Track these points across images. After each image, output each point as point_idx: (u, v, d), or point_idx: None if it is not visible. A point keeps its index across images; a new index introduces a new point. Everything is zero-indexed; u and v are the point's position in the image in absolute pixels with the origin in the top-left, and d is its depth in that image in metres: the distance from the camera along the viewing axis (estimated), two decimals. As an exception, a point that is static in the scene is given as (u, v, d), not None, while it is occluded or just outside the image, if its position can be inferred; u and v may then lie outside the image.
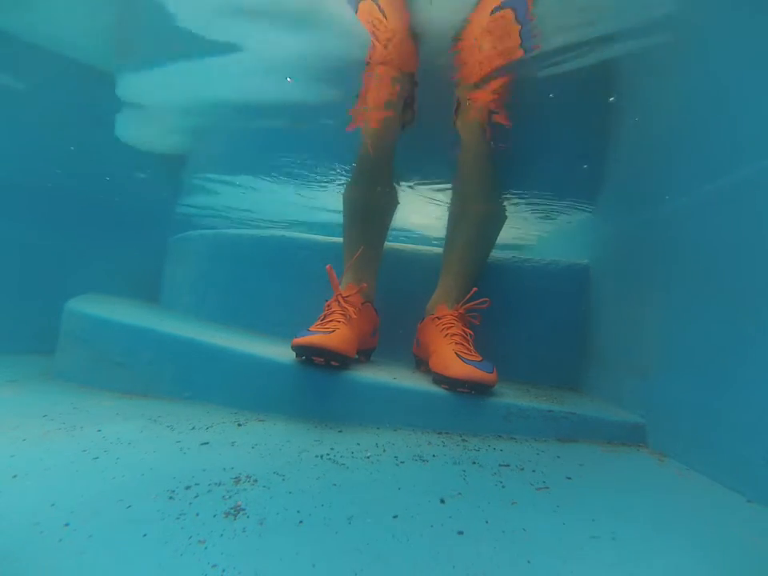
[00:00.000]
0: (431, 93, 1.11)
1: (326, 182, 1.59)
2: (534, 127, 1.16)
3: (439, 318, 1.01)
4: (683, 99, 0.82)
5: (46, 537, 0.40)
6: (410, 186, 1.46)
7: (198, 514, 0.46)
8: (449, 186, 1.43)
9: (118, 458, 0.58)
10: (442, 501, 0.53)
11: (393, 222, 1.20)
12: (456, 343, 0.92)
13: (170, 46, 1.17)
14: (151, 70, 1.29)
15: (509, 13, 0.92)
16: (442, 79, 1.09)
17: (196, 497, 0.49)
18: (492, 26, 0.94)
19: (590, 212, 1.33)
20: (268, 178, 1.70)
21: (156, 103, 1.44)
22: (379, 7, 0.93)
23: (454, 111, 1.13)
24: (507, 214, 1.19)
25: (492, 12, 0.91)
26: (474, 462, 0.66)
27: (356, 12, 0.98)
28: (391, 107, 1.12)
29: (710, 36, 0.76)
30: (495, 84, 1.06)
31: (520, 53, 0.99)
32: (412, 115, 1.13)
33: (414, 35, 1.03)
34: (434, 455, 0.68)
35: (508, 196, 1.33)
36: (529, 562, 0.42)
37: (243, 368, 0.86)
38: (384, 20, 0.95)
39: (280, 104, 1.30)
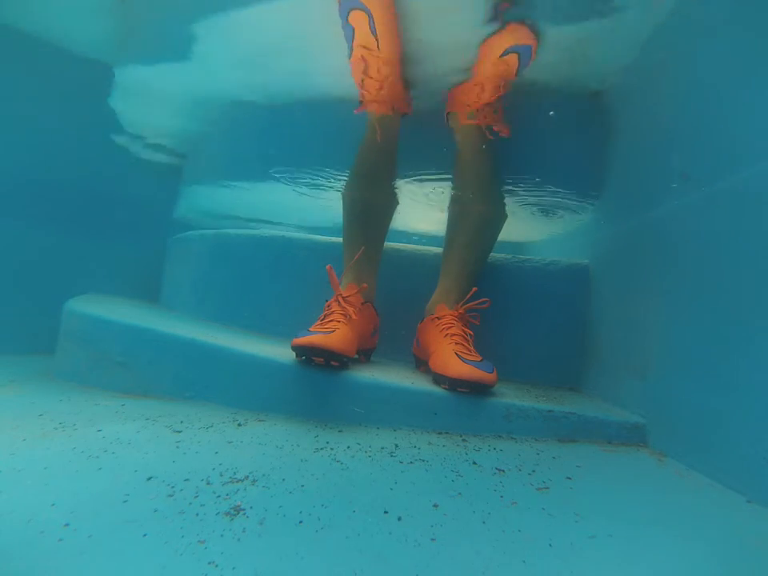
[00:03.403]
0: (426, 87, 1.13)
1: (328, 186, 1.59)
2: (533, 130, 1.17)
3: (439, 318, 1.01)
4: (683, 100, 0.82)
5: (46, 537, 0.40)
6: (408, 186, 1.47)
7: (197, 514, 0.46)
8: (449, 183, 1.43)
9: (117, 458, 0.58)
10: (442, 501, 0.53)
11: (393, 222, 1.21)
12: (456, 343, 0.92)
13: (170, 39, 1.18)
14: (152, 63, 1.30)
15: (513, 58, 0.96)
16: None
17: (196, 497, 0.49)
18: (496, 71, 0.98)
19: (591, 206, 1.33)
20: (269, 180, 1.70)
21: (156, 96, 1.45)
22: (374, 31, 0.94)
23: (445, 117, 1.14)
24: (508, 212, 1.19)
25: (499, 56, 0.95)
26: (474, 463, 0.66)
27: (349, 59, 1.01)
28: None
29: (711, 38, 0.76)
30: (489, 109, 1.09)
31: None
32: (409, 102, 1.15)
33: (405, 81, 1.07)
34: (434, 455, 0.68)
35: (508, 191, 1.33)
36: (528, 562, 0.42)
37: (243, 368, 0.86)
38: (377, 51, 0.97)
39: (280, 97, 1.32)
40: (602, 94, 1.12)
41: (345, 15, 0.96)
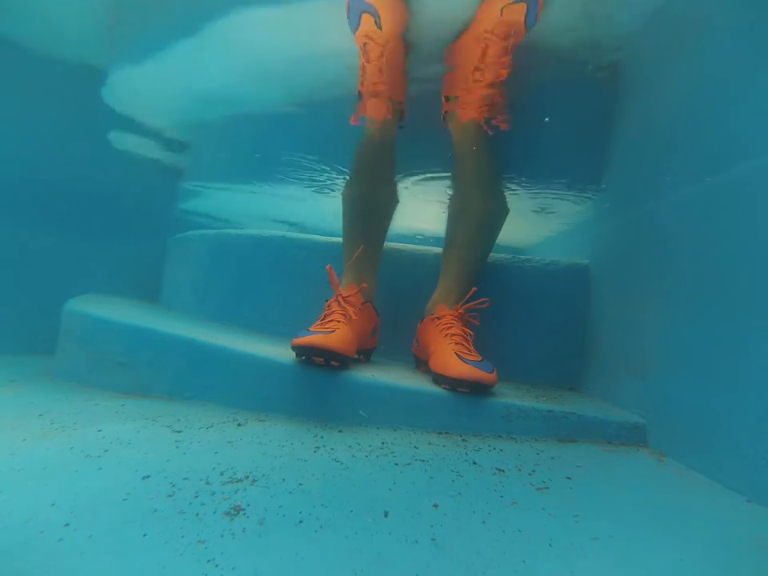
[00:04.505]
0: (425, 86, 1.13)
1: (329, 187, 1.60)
2: (534, 127, 1.17)
3: (439, 318, 1.01)
4: (683, 97, 0.82)
5: (46, 537, 0.40)
6: (408, 184, 1.47)
7: (197, 514, 0.46)
8: (448, 183, 1.43)
9: (117, 458, 0.58)
10: (442, 501, 0.53)
11: (394, 222, 1.21)
12: (456, 343, 0.92)
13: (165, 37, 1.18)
14: (145, 65, 1.30)
15: (521, 8, 0.90)
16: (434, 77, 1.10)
17: (196, 497, 0.49)
18: (499, 29, 0.94)
19: (592, 199, 1.33)
20: (268, 181, 1.71)
21: (155, 93, 1.45)
22: (377, 16, 0.94)
23: (442, 118, 1.14)
24: (509, 207, 1.19)
25: (502, 10, 0.91)
26: (474, 463, 0.66)
27: (354, 32, 1.00)
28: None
29: (710, 34, 0.76)
30: (487, 96, 1.07)
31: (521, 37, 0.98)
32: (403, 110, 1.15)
33: (406, 45, 1.05)
34: (434, 455, 0.68)
35: (508, 187, 1.34)
36: (528, 562, 0.42)
37: (243, 368, 0.86)
38: (379, 30, 0.97)
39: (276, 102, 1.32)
40: (612, 69, 1.09)
41: (355, 24, 0.98)
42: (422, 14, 0.98)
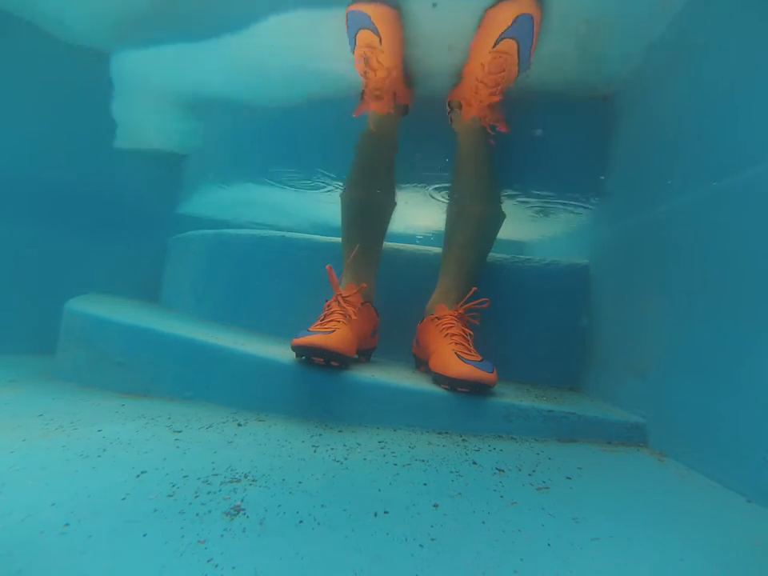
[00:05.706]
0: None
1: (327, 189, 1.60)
2: (533, 128, 1.17)
3: (439, 318, 1.01)
4: (685, 101, 0.82)
5: (46, 537, 0.40)
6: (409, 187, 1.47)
7: (197, 514, 0.46)
8: (448, 184, 1.43)
9: (117, 458, 0.58)
10: (442, 501, 0.53)
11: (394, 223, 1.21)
12: (456, 343, 0.92)
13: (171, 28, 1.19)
14: (149, 53, 1.30)
15: (512, 45, 0.92)
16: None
17: (196, 497, 0.49)
18: (493, 62, 0.96)
19: (591, 208, 1.33)
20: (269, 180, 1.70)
21: (155, 89, 1.45)
22: (379, 38, 0.95)
23: (448, 114, 1.15)
24: (506, 212, 1.19)
25: (495, 45, 0.93)
26: (474, 463, 0.66)
27: (353, 51, 1.01)
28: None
29: (711, 39, 0.77)
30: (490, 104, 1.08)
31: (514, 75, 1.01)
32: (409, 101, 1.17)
33: (407, 76, 1.08)
34: (433, 455, 0.68)
35: (507, 194, 1.34)
36: (529, 562, 0.42)
37: (243, 368, 0.86)
38: (380, 47, 0.98)
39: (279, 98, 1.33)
40: (608, 97, 1.12)
41: (353, 33, 1.00)
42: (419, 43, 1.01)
